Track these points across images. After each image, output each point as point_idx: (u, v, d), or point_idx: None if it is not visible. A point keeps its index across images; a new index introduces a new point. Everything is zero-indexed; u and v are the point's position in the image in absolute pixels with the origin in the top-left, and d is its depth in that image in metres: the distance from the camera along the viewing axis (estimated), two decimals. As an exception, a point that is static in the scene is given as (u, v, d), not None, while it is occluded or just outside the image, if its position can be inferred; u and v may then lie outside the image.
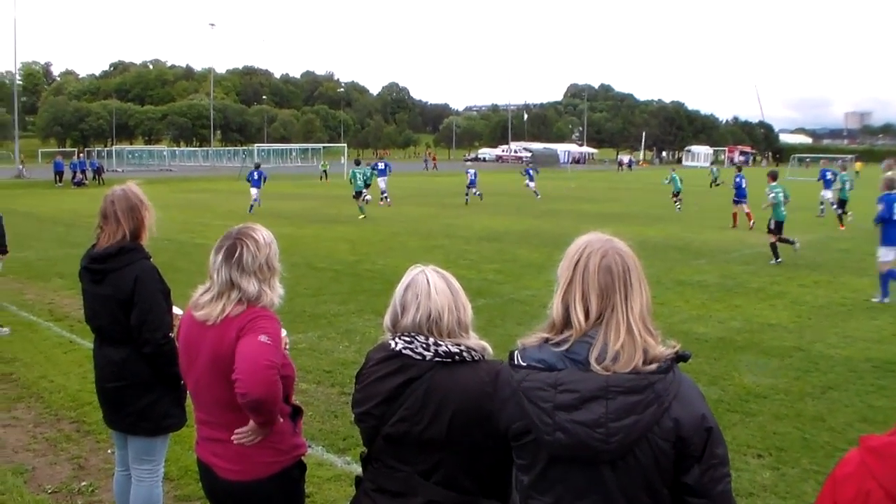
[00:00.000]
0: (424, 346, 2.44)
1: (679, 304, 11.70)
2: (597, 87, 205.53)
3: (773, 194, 16.56)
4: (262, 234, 3.06)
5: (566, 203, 33.52)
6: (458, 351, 2.44)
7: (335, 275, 14.02)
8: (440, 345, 2.43)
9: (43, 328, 10.07)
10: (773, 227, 16.37)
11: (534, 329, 2.18)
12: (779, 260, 16.03)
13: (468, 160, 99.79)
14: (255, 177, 30.64)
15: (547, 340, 2.12)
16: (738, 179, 24.51)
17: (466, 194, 33.93)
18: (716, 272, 14.86)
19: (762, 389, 7.58)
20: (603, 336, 2.04)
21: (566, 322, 2.11)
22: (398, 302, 2.52)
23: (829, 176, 28.30)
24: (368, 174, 28.09)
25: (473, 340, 2.50)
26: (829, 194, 27.61)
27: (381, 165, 33.84)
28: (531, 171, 39.08)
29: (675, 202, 30.72)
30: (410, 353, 2.44)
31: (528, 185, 38.03)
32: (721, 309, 11.44)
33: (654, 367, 2.02)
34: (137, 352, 3.88)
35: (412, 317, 2.46)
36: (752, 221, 23.13)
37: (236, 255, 2.97)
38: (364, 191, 27.10)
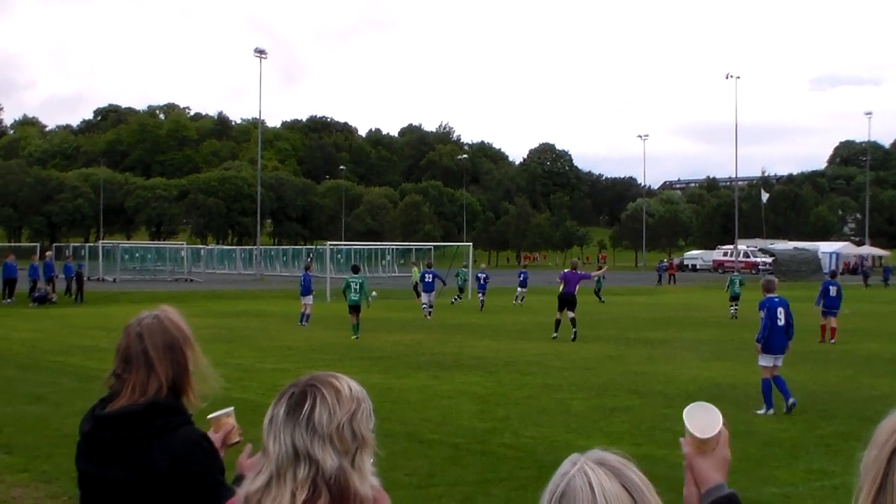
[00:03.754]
0: None
1: None
2: (887, 145, 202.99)
3: None
4: (347, 383, 3.04)
5: (838, 340, 32.78)
6: None
7: (454, 453, 14.16)
8: None
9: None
10: None
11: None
12: None
13: (664, 268, 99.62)
14: (305, 281, 37.10)
15: None
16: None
17: (479, 297, 50.78)
18: None
19: None
20: None
21: None
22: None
23: None
24: (366, 286, 34.23)
25: None
26: None
27: (427, 278, 44.92)
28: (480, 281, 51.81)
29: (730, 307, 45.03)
30: None
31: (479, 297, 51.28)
32: None
33: None
34: None
35: None
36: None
37: (305, 409, 2.92)
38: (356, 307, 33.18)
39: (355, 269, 36.22)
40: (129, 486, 3.81)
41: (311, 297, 37.94)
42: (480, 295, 51.11)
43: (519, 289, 55.32)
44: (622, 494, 2.32)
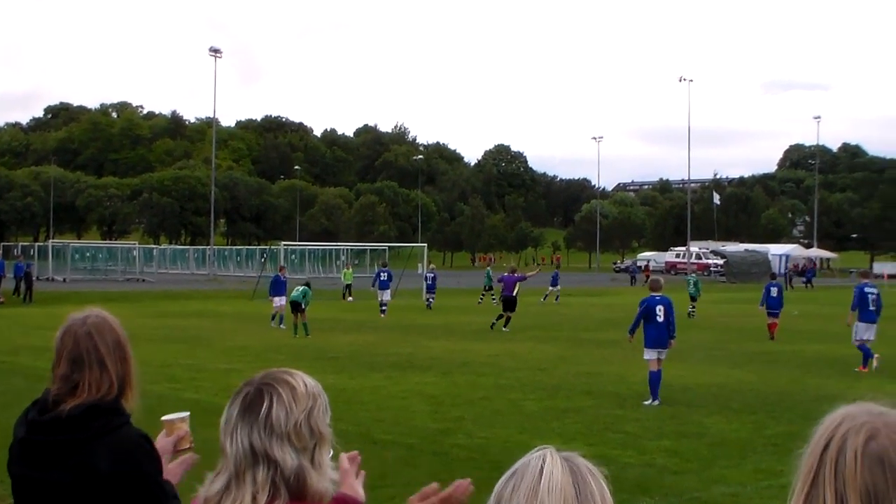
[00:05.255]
0: None
1: None
2: (835, 149, 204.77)
3: None
4: (303, 379, 3.01)
5: (785, 341, 33.16)
6: None
7: (408, 453, 14.23)
8: None
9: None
10: None
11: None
12: None
13: (621, 269, 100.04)
14: (276, 283, 38.48)
15: None
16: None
17: (427, 300, 51.84)
18: None
19: None
20: None
21: None
22: (494, 496, 2.40)
23: None
24: (309, 295, 35.08)
25: None
26: None
27: (383, 276, 47.18)
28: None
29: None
30: None
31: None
32: None
33: None
34: None
35: None
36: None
37: (262, 409, 2.91)
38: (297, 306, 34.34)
39: (307, 285, 36.43)
40: (69, 489, 3.78)
41: (280, 298, 37.90)
42: (430, 295, 52.13)
43: (550, 287, 58.21)
44: (568, 489, 2.28)
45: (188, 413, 4.40)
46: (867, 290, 26.23)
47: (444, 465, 13.44)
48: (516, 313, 38.28)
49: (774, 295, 35.11)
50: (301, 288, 34.79)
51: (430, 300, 51.68)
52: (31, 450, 3.87)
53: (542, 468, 2.29)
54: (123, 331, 4.05)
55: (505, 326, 36.82)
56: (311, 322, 34.15)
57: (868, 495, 1.99)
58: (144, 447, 3.88)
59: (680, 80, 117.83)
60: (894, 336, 33.32)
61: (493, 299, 52.63)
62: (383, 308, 45.00)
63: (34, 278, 55.38)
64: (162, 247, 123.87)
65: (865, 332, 26.01)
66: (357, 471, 3.57)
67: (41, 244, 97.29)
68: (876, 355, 25.52)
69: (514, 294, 38.04)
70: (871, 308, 25.93)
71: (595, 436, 15.56)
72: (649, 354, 19.77)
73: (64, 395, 3.85)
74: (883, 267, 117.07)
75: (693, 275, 54.24)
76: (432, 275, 53.44)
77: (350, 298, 55.75)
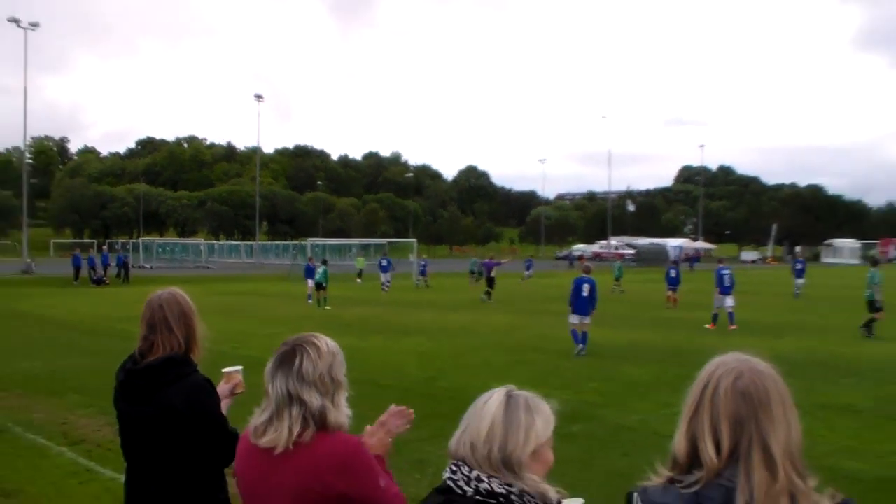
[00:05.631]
0: (466, 479, 2.41)
1: (823, 433, 11.43)
2: (714, 169, 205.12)
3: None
4: (325, 341, 3.14)
5: (678, 311, 33.27)
6: (503, 492, 2.36)
7: (403, 394, 14.17)
8: (482, 482, 2.38)
9: (54, 454, 10.16)
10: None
11: (658, 468, 2.19)
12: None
13: (561, 258, 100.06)
14: (308, 269, 37.55)
15: (673, 481, 2.12)
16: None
17: (417, 281, 51.20)
18: (869, 394, 14.55)
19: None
20: (745, 476, 2.02)
21: (693, 459, 2.11)
22: (463, 419, 2.53)
23: None
24: (327, 273, 35.13)
25: (531, 483, 2.40)
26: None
27: (384, 263, 46.79)
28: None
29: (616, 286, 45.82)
30: (452, 485, 2.44)
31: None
32: (879, 440, 11.20)
33: None
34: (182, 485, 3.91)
35: (457, 439, 2.48)
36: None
37: (295, 363, 3.01)
38: (319, 285, 34.52)
39: (324, 262, 36.82)
40: (154, 421, 3.90)
41: (312, 281, 37.06)
42: (422, 278, 51.41)
43: (526, 272, 58.93)
44: (498, 416, 2.42)
45: (241, 367, 4.47)
46: (723, 271, 27.64)
47: (431, 403, 13.43)
48: (493, 289, 39.27)
49: (673, 275, 36.30)
50: (321, 269, 34.86)
51: (419, 282, 51.04)
52: (127, 390, 4.01)
53: (486, 400, 2.47)
54: (190, 304, 4.14)
55: (483, 295, 38.73)
56: (330, 298, 34.19)
57: (734, 420, 2.08)
58: (208, 389, 4.00)
59: (602, 117, 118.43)
60: (750, 304, 33.79)
61: (474, 282, 52.64)
62: (384, 287, 44.82)
63: (130, 266, 55.64)
64: (220, 242, 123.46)
65: (725, 301, 27.12)
66: (400, 424, 3.56)
67: (134, 241, 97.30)
68: (709, 325, 26.86)
69: (492, 274, 40.37)
70: (727, 284, 27.20)
71: (542, 380, 15.58)
72: (572, 319, 20.42)
73: (146, 351, 4.01)
74: (748, 255, 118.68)
75: (618, 262, 54.66)
76: (423, 263, 53.27)
77: (359, 281, 55.36)
